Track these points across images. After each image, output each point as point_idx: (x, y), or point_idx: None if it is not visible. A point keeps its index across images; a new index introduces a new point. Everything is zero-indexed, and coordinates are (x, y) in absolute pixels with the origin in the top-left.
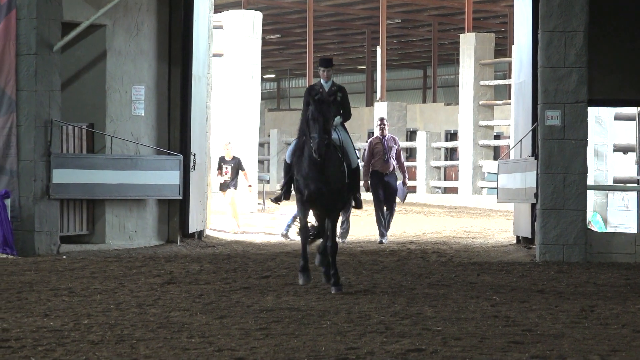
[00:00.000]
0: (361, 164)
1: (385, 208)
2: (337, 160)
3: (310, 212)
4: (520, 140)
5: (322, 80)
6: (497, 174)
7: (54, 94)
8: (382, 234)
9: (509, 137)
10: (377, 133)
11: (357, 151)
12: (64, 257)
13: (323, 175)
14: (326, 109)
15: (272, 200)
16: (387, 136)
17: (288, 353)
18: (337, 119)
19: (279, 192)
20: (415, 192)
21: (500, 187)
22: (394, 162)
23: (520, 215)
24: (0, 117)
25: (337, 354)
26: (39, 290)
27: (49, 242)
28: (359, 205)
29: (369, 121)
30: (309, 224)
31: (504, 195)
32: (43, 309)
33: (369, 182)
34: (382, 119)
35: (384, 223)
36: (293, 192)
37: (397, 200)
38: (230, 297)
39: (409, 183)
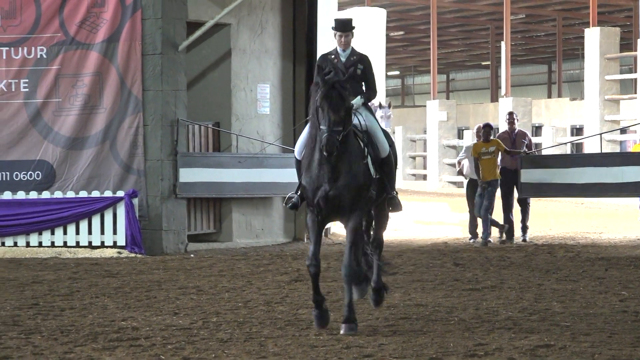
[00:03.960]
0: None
1: (519, 206)
2: (357, 152)
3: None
4: None
5: (338, 48)
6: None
7: (179, 93)
8: (511, 236)
9: (635, 132)
10: (506, 127)
11: (392, 134)
12: (192, 255)
13: (336, 174)
14: (339, 91)
15: (285, 205)
16: (516, 131)
17: (416, 349)
18: (358, 100)
19: (294, 196)
20: None
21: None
22: None
23: None
24: (126, 117)
25: (466, 350)
26: (168, 288)
27: (176, 241)
28: (396, 208)
29: (494, 117)
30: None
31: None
32: (172, 307)
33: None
34: (511, 113)
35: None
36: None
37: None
38: None
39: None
